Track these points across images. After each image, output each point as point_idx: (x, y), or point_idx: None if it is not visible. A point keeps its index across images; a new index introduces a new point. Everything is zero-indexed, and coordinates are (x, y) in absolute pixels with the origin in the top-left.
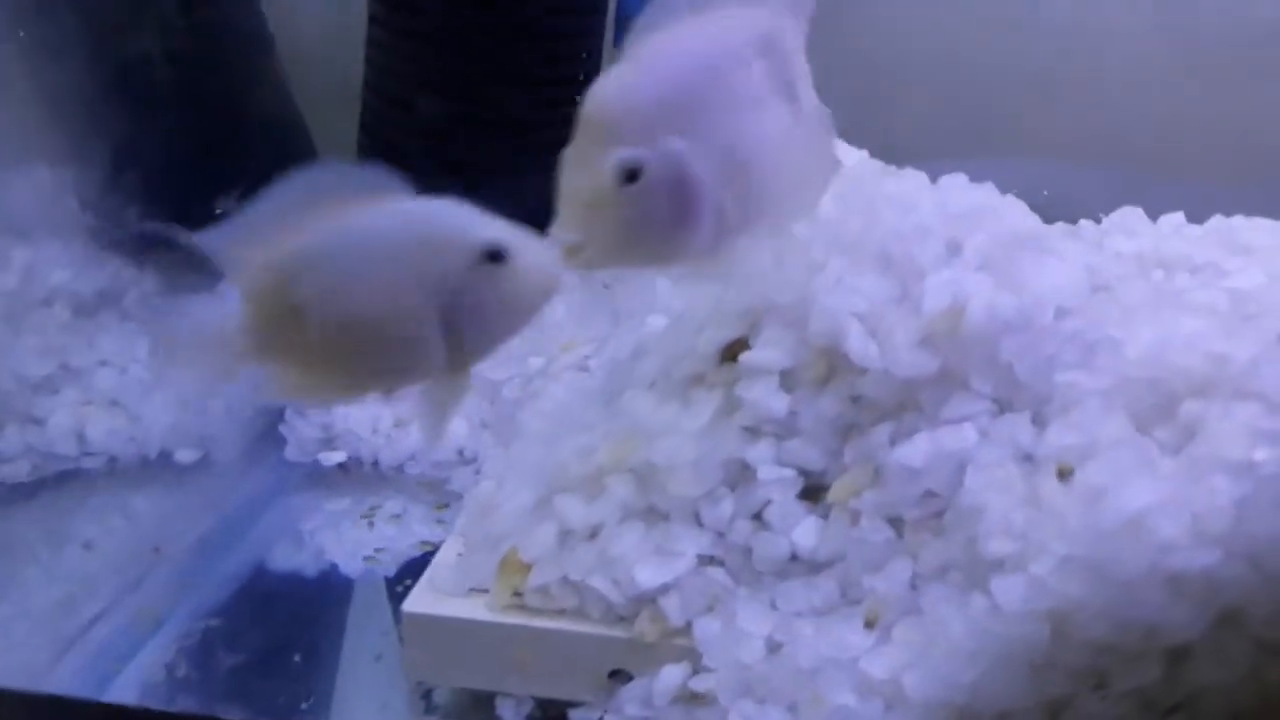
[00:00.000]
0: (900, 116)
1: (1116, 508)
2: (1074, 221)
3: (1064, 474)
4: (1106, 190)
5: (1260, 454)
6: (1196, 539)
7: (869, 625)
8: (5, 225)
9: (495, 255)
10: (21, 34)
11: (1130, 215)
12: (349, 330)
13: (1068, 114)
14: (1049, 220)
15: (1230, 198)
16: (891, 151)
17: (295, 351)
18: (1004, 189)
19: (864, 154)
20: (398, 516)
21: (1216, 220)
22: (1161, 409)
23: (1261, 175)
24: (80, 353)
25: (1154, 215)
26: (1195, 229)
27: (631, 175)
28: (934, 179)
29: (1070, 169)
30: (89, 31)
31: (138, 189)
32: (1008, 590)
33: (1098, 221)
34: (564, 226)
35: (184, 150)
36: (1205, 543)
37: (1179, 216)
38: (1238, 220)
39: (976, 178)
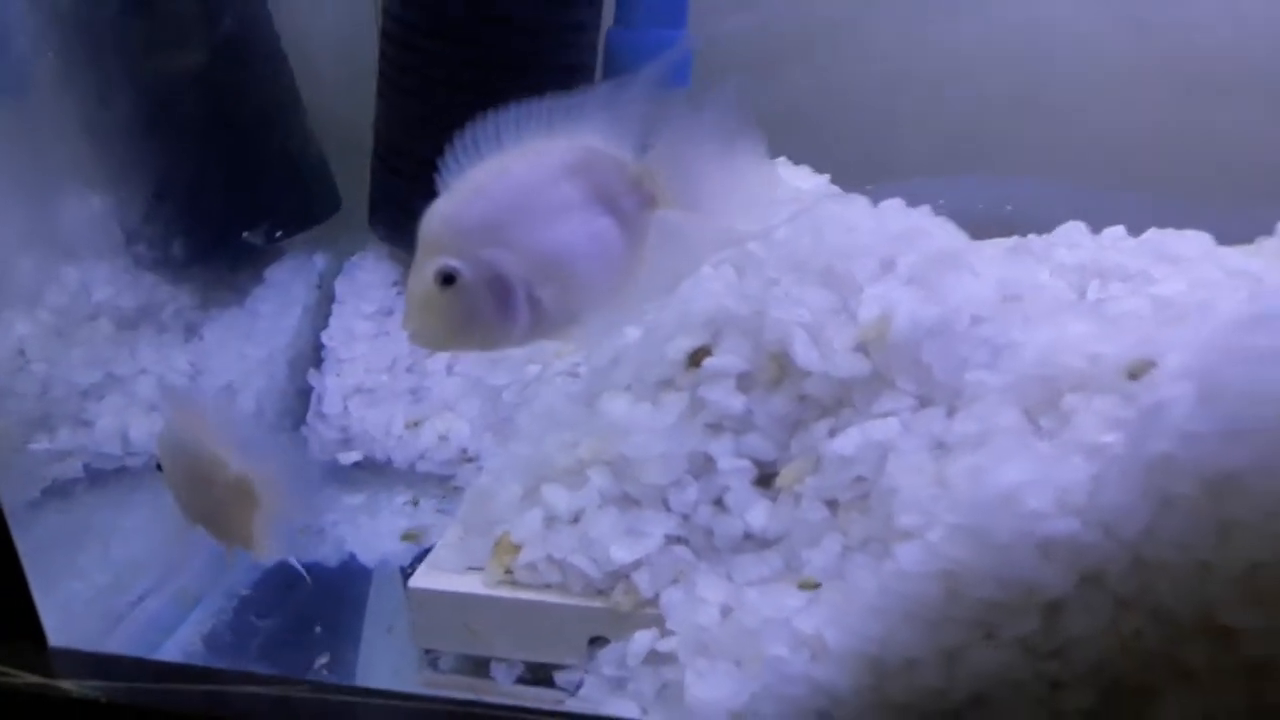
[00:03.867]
0: (878, 136)
1: (993, 483)
2: (1038, 233)
3: None
4: (1068, 203)
5: (1109, 437)
6: (1060, 510)
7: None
8: (57, 248)
9: None
10: (50, 54)
11: (1074, 229)
12: None
13: (1036, 133)
14: (1013, 232)
15: (1186, 210)
16: (871, 168)
17: None
18: (973, 203)
19: (824, 179)
20: (407, 504)
21: (1151, 232)
22: (1048, 402)
23: (1220, 190)
24: (123, 362)
25: (1105, 226)
26: (1131, 241)
27: (448, 280)
28: (911, 195)
29: (1032, 185)
30: (129, 76)
31: (174, 216)
32: (908, 555)
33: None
34: (406, 317)
35: (215, 181)
36: (1067, 513)
37: (1119, 229)
38: (1169, 233)
39: (950, 194)
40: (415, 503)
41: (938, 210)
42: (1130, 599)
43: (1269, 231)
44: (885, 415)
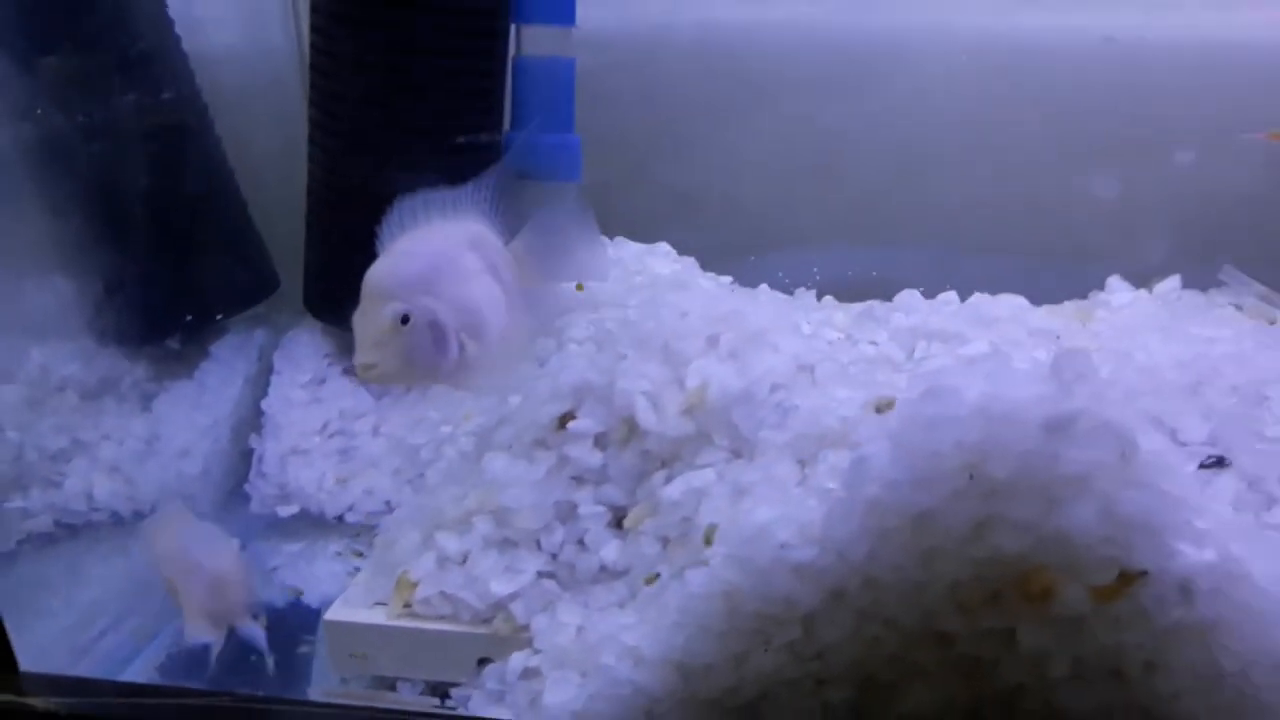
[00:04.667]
0: (765, 212)
1: (753, 519)
2: (892, 297)
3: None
4: (924, 268)
5: (832, 484)
6: (803, 540)
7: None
8: (28, 332)
9: None
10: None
11: (910, 296)
12: None
13: (913, 204)
14: (877, 295)
15: (1029, 271)
16: (757, 242)
17: None
18: (844, 270)
19: (688, 262)
20: (339, 554)
21: (975, 297)
22: (813, 455)
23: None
24: (87, 429)
25: (961, 287)
26: (955, 306)
27: (404, 319)
28: (789, 264)
29: (896, 252)
30: (84, 186)
31: (129, 302)
32: (696, 578)
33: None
34: (361, 353)
35: (164, 269)
36: (808, 542)
37: (952, 294)
38: (986, 297)
39: (821, 264)
40: (359, 554)
41: (813, 277)
42: (867, 611)
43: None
44: (705, 466)
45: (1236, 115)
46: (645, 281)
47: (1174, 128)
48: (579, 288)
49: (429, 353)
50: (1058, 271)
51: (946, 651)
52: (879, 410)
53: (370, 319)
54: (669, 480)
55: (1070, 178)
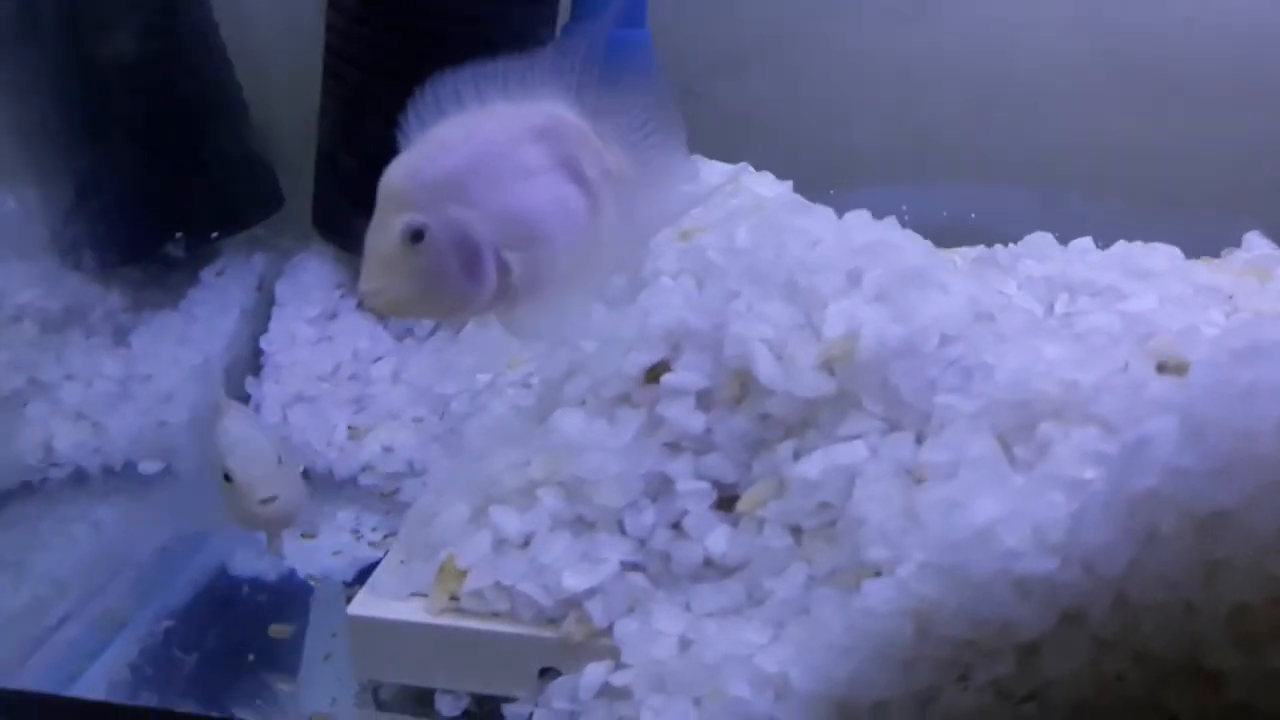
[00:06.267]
0: (842, 141)
1: (966, 519)
2: (992, 244)
3: (920, 479)
4: (1032, 212)
5: (1090, 473)
6: (1037, 547)
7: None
8: None
9: None
10: None
11: (1042, 240)
12: None
13: (1001, 139)
14: (977, 240)
15: (1150, 219)
16: (833, 176)
17: None
18: (937, 210)
19: (787, 186)
20: (355, 531)
21: (1120, 246)
22: (1023, 429)
23: (1183, 198)
24: (48, 367)
25: (1071, 235)
26: (1098, 254)
27: (417, 236)
28: (875, 202)
29: (997, 192)
30: (54, 66)
31: (101, 214)
32: (877, 592)
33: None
34: (365, 277)
35: (146, 177)
36: (1045, 551)
37: (1087, 241)
38: (1137, 246)
39: (911, 202)
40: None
41: (902, 218)
42: (1112, 640)
43: (1235, 243)
44: (851, 438)
45: None
46: (748, 204)
47: None
48: None
49: (453, 279)
50: (1174, 221)
51: (1211, 696)
52: (1162, 370)
53: (378, 231)
54: (799, 454)
55: (1189, 122)
